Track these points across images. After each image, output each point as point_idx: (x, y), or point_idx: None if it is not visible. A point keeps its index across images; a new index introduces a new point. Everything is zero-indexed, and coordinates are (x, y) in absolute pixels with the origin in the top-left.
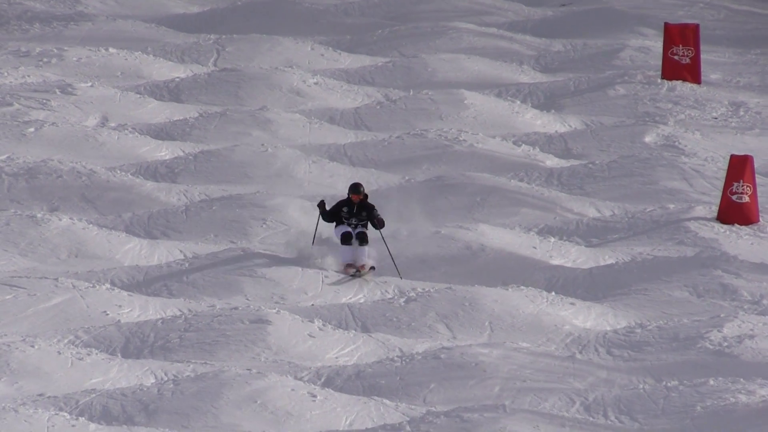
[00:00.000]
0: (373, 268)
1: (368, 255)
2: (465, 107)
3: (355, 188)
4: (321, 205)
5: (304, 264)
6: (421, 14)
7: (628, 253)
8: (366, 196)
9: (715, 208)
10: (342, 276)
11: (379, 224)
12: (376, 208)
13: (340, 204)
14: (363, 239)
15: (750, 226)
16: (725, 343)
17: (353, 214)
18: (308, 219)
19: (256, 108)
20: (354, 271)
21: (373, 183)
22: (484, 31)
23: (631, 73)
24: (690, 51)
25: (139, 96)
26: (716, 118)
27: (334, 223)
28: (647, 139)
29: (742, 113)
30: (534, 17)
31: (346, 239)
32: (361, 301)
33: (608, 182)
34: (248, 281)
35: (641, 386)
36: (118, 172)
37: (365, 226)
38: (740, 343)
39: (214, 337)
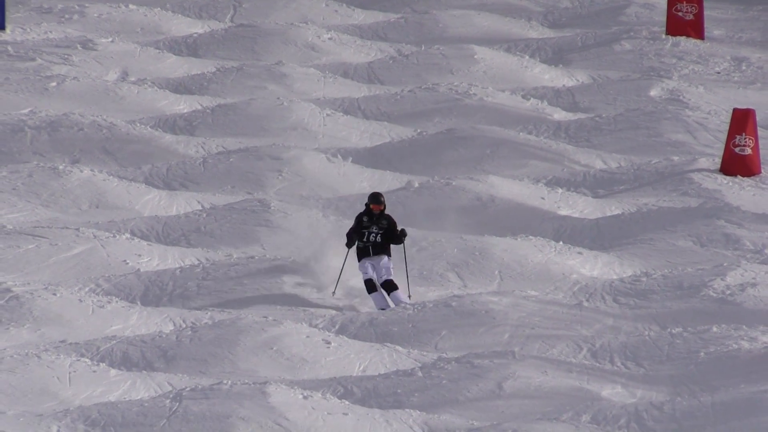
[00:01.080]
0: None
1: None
2: (475, 62)
3: (376, 198)
4: (348, 245)
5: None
6: None
7: (634, 203)
8: (385, 206)
9: (718, 160)
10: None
11: (400, 238)
12: (396, 223)
13: (360, 216)
14: (390, 287)
15: (752, 177)
16: (728, 291)
17: (374, 222)
18: (325, 171)
19: (272, 63)
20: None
21: (385, 135)
22: None
23: (637, 29)
24: (694, 7)
25: (158, 51)
26: (719, 73)
27: (356, 257)
28: (652, 93)
29: (744, 68)
30: None
31: (370, 289)
32: None
33: (614, 135)
34: (264, 231)
35: (646, 333)
36: (138, 125)
37: (384, 234)
38: (743, 291)
39: (231, 285)
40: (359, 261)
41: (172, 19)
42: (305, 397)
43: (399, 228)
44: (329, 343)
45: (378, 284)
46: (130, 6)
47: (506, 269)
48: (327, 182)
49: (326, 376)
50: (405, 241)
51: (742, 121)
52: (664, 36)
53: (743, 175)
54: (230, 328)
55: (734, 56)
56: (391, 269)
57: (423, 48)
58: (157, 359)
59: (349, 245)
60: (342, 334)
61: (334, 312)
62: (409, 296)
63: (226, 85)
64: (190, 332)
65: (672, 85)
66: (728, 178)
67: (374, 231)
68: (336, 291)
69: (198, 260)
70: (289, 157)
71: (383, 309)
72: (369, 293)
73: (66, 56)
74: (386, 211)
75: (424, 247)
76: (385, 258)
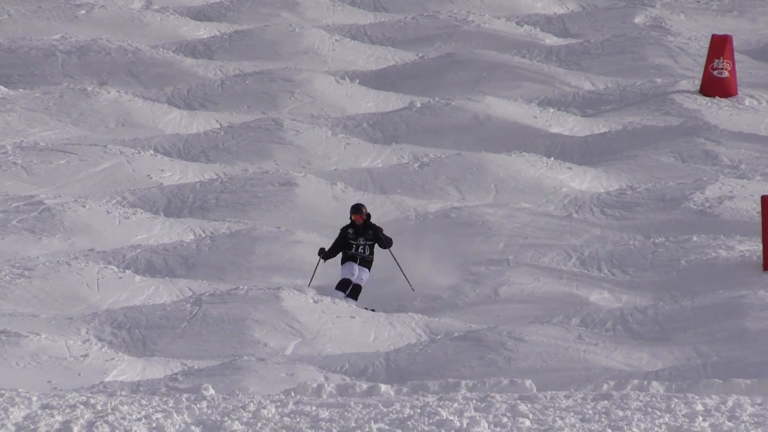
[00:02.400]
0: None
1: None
2: None
3: (357, 209)
4: (320, 252)
5: (330, 134)
6: None
7: (620, 122)
8: (368, 215)
9: (697, 82)
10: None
11: (387, 243)
12: (382, 229)
13: (345, 229)
14: (355, 292)
15: (729, 98)
16: (707, 204)
17: (359, 233)
18: (334, 92)
19: None
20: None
21: (390, 59)
22: None
23: None
24: None
25: None
26: (699, 1)
27: (341, 258)
28: (637, 20)
29: None
30: None
31: (341, 286)
32: (379, 165)
33: (602, 59)
34: (278, 148)
35: (631, 242)
36: (161, 49)
37: (372, 246)
38: (720, 203)
39: (247, 198)
40: (343, 263)
41: None
42: (315, 302)
43: (385, 236)
44: None
45: (344, 288)
46: None
47: (501, 183)
48: (335, 102)
49: (335, 282)
50: (392, 250)
51: (719, 46)
52: None
53: (721, 96)
54: (246, 237)
55: None
56: (365, 281)
57: None
58: (178, 266)
59: (324, 258)
60: None
61: (342, 223)
62: (413, 289)
63: (243, 13)
64: (209, 241)
65: (655, 13)
66: (707, 98)
67: (362, 243)
68: (311, 284)
69: (216, 175)
70: (300, 79)
71: (331, 295)
72: (336, 288)
73: None
74: (372, 218)
75: (426, 163)
76: (367, 271)
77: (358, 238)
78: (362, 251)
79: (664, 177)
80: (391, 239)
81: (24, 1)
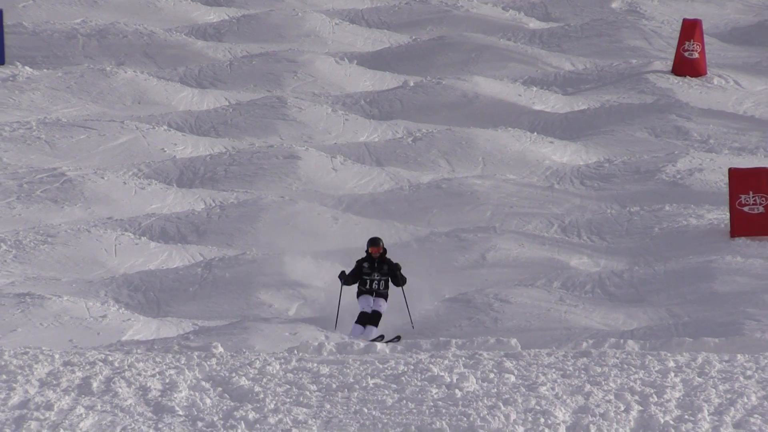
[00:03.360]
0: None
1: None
2: None
3: (375, 242)
4: (342, 276)
5: (330, 111)
6: None
7: (598, 100)
8: (385, 250)
9: (670, 63)
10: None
11: (402, 281)
12: (400, 267)
13: (360, 262)
14: (376, 319)
15: (699, 78)
16: (678, 176)
17: (374, 268)
18: (333, 72)
19: None
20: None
21: (385, 42)
22: None
23: None
24: None
25: None
26: None
27: (356, 291)
28: (614, 5)
29: None
30: None
31: (361, 320)
32: (376, 140)
33: (581, 41)
34: (282, 124)
35: (609, 211)
36: (174, 32)
37: (387, 281)
38: (691, 175)
39: (254, 170)
40: (359, 297)
41: None
42: (317, 266)
43: (401, 275)
44: (337, 219)
45: (365, 320)
46: None
47: (488, 156)
48: (335, 81)
49: (334, 248)
50: (404, 289)
51: (690, 29)
52: None
53: (691, 76)
54: (253, 206)
55: None
56: (383, 308)
57: None
58: (190, 233)
59: (345, 283)
60: (348, 212)
61: (341, 193)
62: (413, 326)
63: None
64: (218, 210)
65: None
66: (678, 78)
67: (376, 278)
68: (337, 326)
69: (225, 148)
70: (303, 60)
71: (352, 337)
72: (355, 322)
73: None
74: (387, 253)
75: (419, 138)
76: (383, 300)
77: (373, 273)
78: (377, 286)
79: (638, 151)
80: (405, 278)
81: None
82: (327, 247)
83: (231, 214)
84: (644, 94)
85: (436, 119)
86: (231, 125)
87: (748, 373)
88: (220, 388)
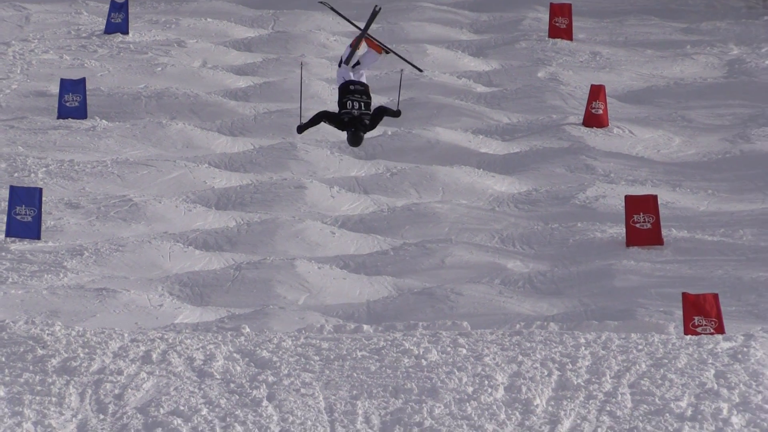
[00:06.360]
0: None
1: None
2: (426, 55)
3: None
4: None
5: (329, 153)
6: None
7: (528, 145)
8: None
9: (581, 117)
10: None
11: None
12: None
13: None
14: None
15: (603, 128)
16: (587, 201)
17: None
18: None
19: (297, 55)
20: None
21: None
22: (438, 7)
23: (529, 34)
24: (566, 20)
25: (225, 48)
26: (582, 62)
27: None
28: (540, 75)
29: (598, 59)
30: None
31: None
32: (363, 174)
33: (516, 101)
34: (293, 162)
35: (536, 227)
36: (213, 95)
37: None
38: (597, 200)
39: (272, 197)
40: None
41: (234, 27)
42: (319, 268)
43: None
44: (334, 233)
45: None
46: (208, 19)
47: (446, 187)
48: (333, 132)
49: (332, 255)
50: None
51: (596, 92)
52: (546, 38)
53: (597, 127)
54: (271, 224)
55: (592, 51)
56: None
57: (393, 45)
58: (225, 244)
59: (299, 129)
60: (342, 228)
61: (337, 214)
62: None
63: (269, 69)
64: (246, 227)
65: (552, 70)
66: (587, 128)
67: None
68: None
69: (251, 181)
70: (308, 114)
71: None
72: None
73: (167, 51)
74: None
75: (395, 173)
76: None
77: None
78: (359, 107)
79: (557, 182)
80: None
81: (119, 62)
82: (327, 254)
83: (255, 229)
84: (562, 140)
85: (408, 159)
86: (255, 164)
87: (639, 347)
88: (247, 359)
